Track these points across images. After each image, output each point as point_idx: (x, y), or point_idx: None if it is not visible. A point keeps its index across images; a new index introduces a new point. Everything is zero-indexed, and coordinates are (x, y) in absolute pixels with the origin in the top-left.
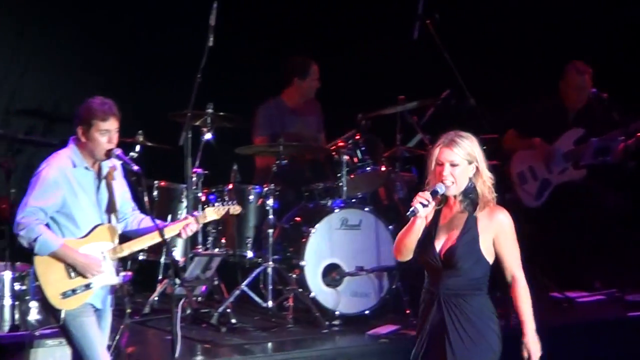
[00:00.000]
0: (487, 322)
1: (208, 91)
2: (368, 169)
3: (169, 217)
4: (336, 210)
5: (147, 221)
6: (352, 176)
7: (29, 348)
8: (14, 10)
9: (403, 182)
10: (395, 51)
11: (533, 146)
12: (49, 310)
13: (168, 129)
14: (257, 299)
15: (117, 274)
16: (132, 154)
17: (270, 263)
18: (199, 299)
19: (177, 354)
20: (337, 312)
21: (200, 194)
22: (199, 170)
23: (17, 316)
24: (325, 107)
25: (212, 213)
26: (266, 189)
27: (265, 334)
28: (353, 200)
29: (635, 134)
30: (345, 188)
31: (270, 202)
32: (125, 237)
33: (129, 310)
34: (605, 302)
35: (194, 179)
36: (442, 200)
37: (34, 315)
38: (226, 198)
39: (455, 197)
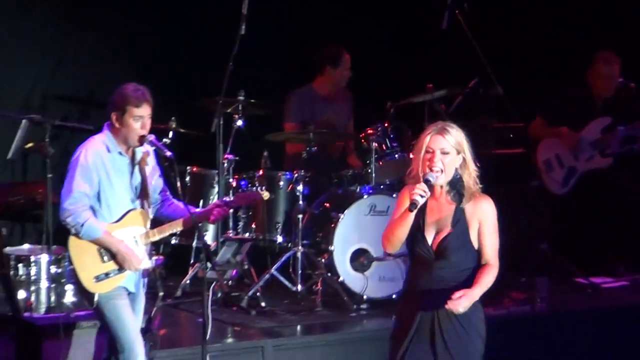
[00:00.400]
0: (475, 311)
1: (239, 79)
2: (396, 156)
3: (201, 202)
4: (365, 197)
5: (178, 206)
6: (380, 163)
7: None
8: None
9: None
10: (424, 40)
11: (560, 134)
12: (83, 293)
13: (200, 115)
14: (286, 282)
15: (150, 258)
16: (164, 140)
17: (300, 248)
18: (230, 282)
19: (207, 336)
20: (364, 296)
21: (231, 180)
22: (230, 157)
23: (52, 298)
24: (355, 96)
25: (244, 199)
26: (296, 175)
27: (294, 317)
28: (381, 187)
29: None
30: (373, 175)
31: (300, 188)
32: (157, 222)
33: (161, 293)
34: (629, 287)
35: (225, 164)
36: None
37: (69, 297)
38: (257, 183)
39: (441, 187)
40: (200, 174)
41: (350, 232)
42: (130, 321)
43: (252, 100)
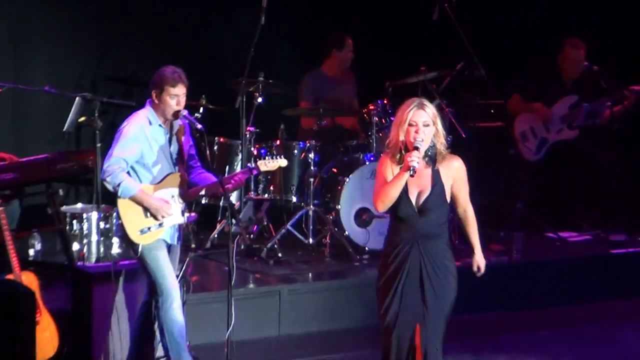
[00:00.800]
0: (450, 258)
1: (260, 62)
2: None
3: (227, 168)
4: (367, 163)
5: (207, 175)
6: (380, 134)
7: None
8: None
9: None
10: (418, 29)
11: (534, 110)
12: (128, 245)
13: (226, 94)
14: (299, 236)
15: (184, 215)
16: (196, 114)
17: (311, 207)
18: (251, 236)
19: (232, 282)
20: (366, 248)
21: (252, 149)
22: (252, 129)
23: (102, 250)
24: (358, 77)
25: (264, 166)
26: (308, 144)
27: (306, 266)
28: (381, 154)
29: (620, 101)
30: (374, 144)
31: (311, 155)
32: (190, 185)
33: (193, 246)
34: (592, 241)
35: (248, 136)
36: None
37: (115, 249)
38: (274, 152)
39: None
40: (226, 144)
41: (355, 193)
42: (168, 269)
43: (271, 81)
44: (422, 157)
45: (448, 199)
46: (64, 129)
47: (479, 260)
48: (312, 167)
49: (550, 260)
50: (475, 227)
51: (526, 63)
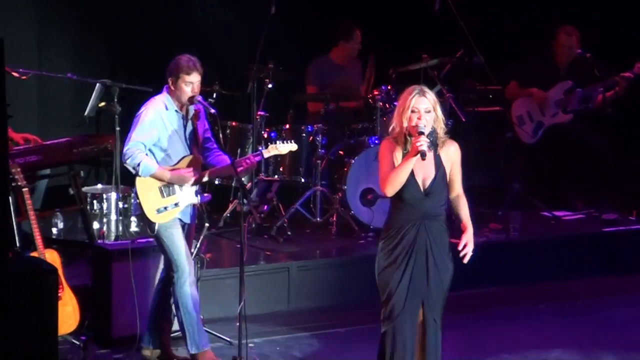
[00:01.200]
0: (447, 237)
1: (270, 50)
2: None
3: (239, 150)
4: (372, 145)
5: (222, 156)
6: (384, 119)
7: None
8: None
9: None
10: (421, 19)
11: (530, 95)
12: (145, 223)
13: (238, 80)
14: (308, 215)
15: (198, 196)
16: (210, 99)
17: (319, 187)
18: (262, 215)
19: (244, 259)
20: (371, 226)
21: (263, 132)
22: (263, 113)
23: (120, 228)
24: (364, 64)
25: (276, 149)
26: (316, 128)
27: (314, 243)
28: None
29: (612, 87)
30: (379, 128)
31: (319, 138)
32: (204, 167)
33: (207, 224)
34: (585, 219)
35: (259, 120)
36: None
37: (133, 227)
38: (284, 135)
39: None
40: (238, 127)
41: (360, 174)
42: (183, 246)
43: (280, 68)
44: None
45: (448, 181)
46: (85, 114)
47: (470, 237)
48: (319, 150)
49: (546, 238)
50: (467, 208)
51: (523, 51)
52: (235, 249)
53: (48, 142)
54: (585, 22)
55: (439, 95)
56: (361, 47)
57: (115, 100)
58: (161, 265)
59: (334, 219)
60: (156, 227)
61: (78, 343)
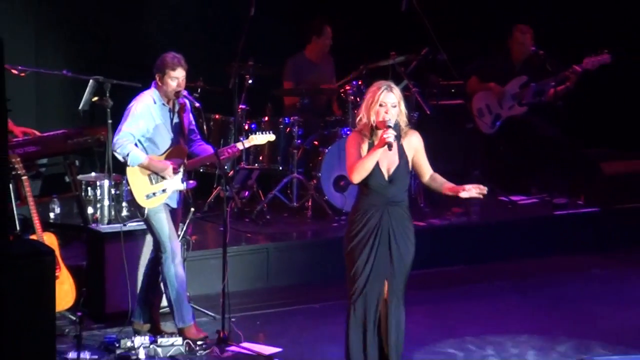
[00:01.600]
0: (410, 219)
1: (250, 48)
2: None
3: (222, 141)
4: (344, 136)
5: (205, 146)
6: (355, 111)
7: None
8: None
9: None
10: (388, 19)
11: (489, 89)
12: (136, 208)
13: (221, 76)
14: (285, 200)
15: (184, 182)
16: (195, 94)
17: (295, 174)
18: (243, 200)
19: (227, 241)
20: (343, 210)
21: (244, 124)
22: (243, 106)
23: (112, 213)
24: (337, 60)
25: (256, 140)
26: (293, 120)
27: (291, 226)
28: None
29: (563, 81)
30: (350, 119)
31: (295, 129)
32: (189, 156)
33: (192, 209)
34: (539, 203)
35: (240, 113)
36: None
37: (124, 212)
38: (263, 127)
39: None
40: (221, 120)
41: (333, 162)
42: (171, 229)
43: (260, 65)
44: None
45: (410, 169)
46: (80, 108)
47: (466, 187)
48: (296, 140)
49: (503, 221)
50: (442, 179)
51: (482, 48)
52: (219, 231)
53: (45, 134)
54: (538, 21)
55: (406, 89)
56: (334, 43)
57: (107, 95)
58: (150, 247)
59: (309, 203)
60: (145, 212)
61: (74, 318)
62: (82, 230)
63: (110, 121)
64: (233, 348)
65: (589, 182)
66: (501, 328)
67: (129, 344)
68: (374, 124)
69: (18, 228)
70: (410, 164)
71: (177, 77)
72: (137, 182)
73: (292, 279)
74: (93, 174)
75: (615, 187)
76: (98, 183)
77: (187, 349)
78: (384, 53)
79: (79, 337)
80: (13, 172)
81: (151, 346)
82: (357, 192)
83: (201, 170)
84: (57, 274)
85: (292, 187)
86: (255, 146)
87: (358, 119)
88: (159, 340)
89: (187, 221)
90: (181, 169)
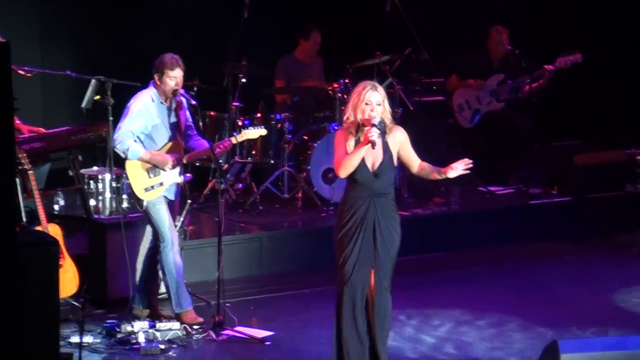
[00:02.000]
0: (395, 211)
1: (244, 49)
2: None
3: (217, 136)
4: (332, 131)
5: (201, 141)
6: (343, 107)
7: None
8: None
9: None
10: (373, 20)
11: (468, 86)
12: (135, 201)
13: (216, 75)
14: (277, 192)
15: (181, 175)
16: (191, 92)
17: (286, 167)
18: (237, 192)
19: (222, 230)
20: (332, 201)
21: (238, 120)
22: (237, 104)
23: (114, 204)
24: (325, 60)
25: (248, 134)
26: (284, 116)
27: (282, 216)
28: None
29: (538, 78)
30: (338, 115)
31: (286, 125)
32: (185, 151)
33: (189, 201)
34: (515, 193)
35: (234, 110)
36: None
37: (125, 204)
38: (256, 123)
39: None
40: (216, 117)
41: (322, 155)
42: (169, 220)
43: (253, 64)
44: None
45: (395, 164)
46: (82, 106)
47: (453, 168)
48: (286, 135)
49: (482, 210)
50: (430, 165)
51: (462, 47)
52: (214, 221)
53: (50, 131)
54: (515, 22)
55: (390, 87)
56: (322, 44)
57: (109, 93)
58: (150, 237)
59: (300, 195)
60: (144, 204)
61: (77, 304)
62: (85, 221)
63: (111, 118)
64: (228, 332)
65: (562, 173)
66: (480, 311)
67: (129, 328)
68: (360, 122)
69: (24, 219)
70: (395, 159)
71: (175, 76)
72: (136, 176)
73: (284, 266)
74: (95, 168)
75: (587, 178)
76: (100, 176)
77: (184, 333)
78: (370, 53)
79: (81, 322)
80: (20, 167)
81: (150, 330)
82: (345, 185)
83: (197, 164)
84: (61, 263)
85: (283, 179)
86: (249, 141)
87: (345, 117)
88: (158, 325)
89: (184, 212)
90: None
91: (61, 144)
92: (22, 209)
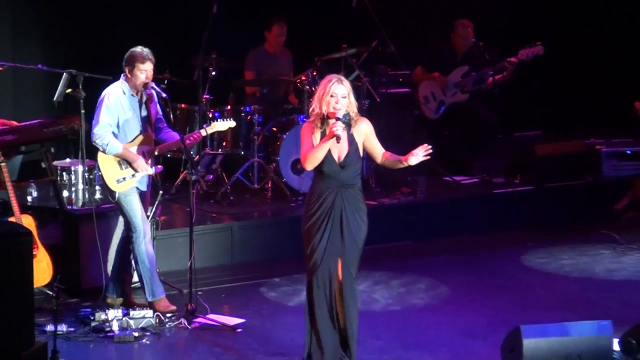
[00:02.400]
0: (362, 201)
1: (214, 42)
2: None
3: (187, 128)
4: (300, 122)
5: (171, 133)
6: (311, 100)
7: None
8: None
9: None
10: (341, 14)
11: (434, 78)
12: (108, 192)
13: (186, 68)
14: (247, 183)
15: (152, 167)
16: (162, 85)
17: (256, 158)
18: (208, 183)
19: (193, 220)
20: (300, 191)
21: (208, 113)
22: (207, 96)
23: (86, 196)
24: (294, 53)
25: (217, 126)
26: (253, 108)
27: (252, 206)
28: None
29: (501, 70)
30: (306, 107)
31: (256, 117)
32: (156, 143)
33: (161, 191)
34: (479, 183)
35: (204, 102)
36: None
37: (98, 195)
38: (226, 115)
39: None
40: (186, 109)
41: (291, 147)
42: (140, 210)
43: (222, 58)
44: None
45: (361, 155)
46: (54, 99)
47: (414, 154)
48: (256, 127)
49: (447, 199)
50: (392, 155)
51: (427, 40)
52: (185, 212)
53: (22, 124)
54: (479, 15)
55: (357, 79)
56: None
57: (80, 87)
58: (122, 227)
59: (269, 185)
60: (116, 195)
61: (51, 294)
62: (58, 212)
63: (82, 111)
64: (200, 319)
65: (524, 163)
66: (446, 298)
67: (103, 316)
68: (326, 114)
69: None
70: (361, 150)
71: (145, 70)
72: (108, 168)
73: (254, 255)
74: (68, 159)
75: (548, 167)
76: (72, 168)
77: (157, 320)
78: (337, 46)
79: (56, 311)
80: None
81: (124, 319)
82: (313, 175)
83: (168, 155)
84: (34, 253)
85: (253, 170)
86: (219, 133)
87: (311, 109)
88: (131, 313)
89: (156, 203)
90: (149, 155)
91: (33, 136)
92: None
